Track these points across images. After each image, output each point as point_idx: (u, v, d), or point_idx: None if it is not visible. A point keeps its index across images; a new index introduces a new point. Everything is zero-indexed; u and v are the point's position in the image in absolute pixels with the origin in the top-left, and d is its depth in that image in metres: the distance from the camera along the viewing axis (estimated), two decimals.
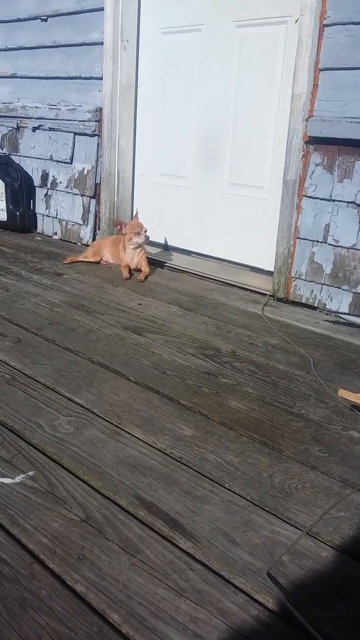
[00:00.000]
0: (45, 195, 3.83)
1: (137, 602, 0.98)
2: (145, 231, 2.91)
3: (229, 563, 1.08)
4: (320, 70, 2.40)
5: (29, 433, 1.48)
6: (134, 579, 1.03)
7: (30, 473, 1.31)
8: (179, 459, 1.40)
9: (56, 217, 3.78)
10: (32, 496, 1.24)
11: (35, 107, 3.73)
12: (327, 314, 2.53)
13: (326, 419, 1.64)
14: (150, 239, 2.97)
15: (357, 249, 2.39)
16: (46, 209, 3.84)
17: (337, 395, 1.74)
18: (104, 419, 1.57)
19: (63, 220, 3.74)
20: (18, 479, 1.29)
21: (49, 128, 3.66)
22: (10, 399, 1.64)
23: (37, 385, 1.74)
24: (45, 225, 3.89)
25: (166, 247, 3.39)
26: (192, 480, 1.32)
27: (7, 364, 1.86)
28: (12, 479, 1.29)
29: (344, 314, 2.48)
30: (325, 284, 2.52)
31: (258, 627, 0.96)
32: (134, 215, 3.04)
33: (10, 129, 3.97)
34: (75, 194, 3.60)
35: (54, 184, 3.73)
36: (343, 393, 1.71)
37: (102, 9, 3.19)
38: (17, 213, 3.79)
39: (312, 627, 0.95)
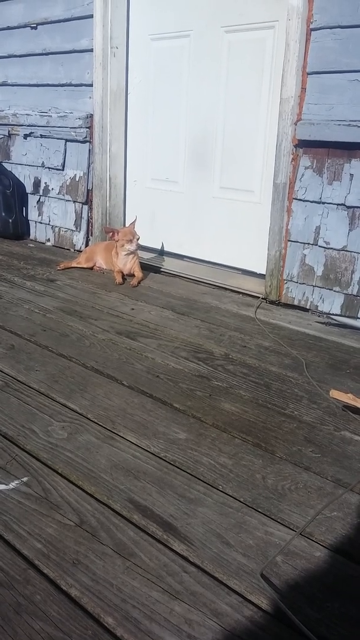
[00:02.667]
0: (37, 202, 3.84)
1: (131, 605, 0.99)
2: (138, 239, 2.92)
3: (222, 565, 1.09)
4: (308, 74, 2.42)
5: (22, 439, 1.48)
6: (128, 582, 1.04)
7: (25, 479, 1.32)
8: (172, 462, 1.41)
9: (49, 224, 3.79)
10: (27, 502, 1.24)
11: (27, 114, 3.75)
12: (319, 316, 2.55)
13: (319, 419, 1.65)
14: (142, 244, 2.98)
15: (348, 251, 2.41)
16: (39, 215, 3.85)
17: (329, 396, 1.75)
18: (98, 424, 1.57)
19: (56, 226, 3.74)
20: (12, 485, 1.29)
21: (41, 135, 3.67)
22: (4, 405, 1.65)
23: (31, 391, 1.74)
24: (38, 232, 3.90)
25: (159, 252, 3.40)
26: (186, 483, 1.33)
27: (1, 371, 1.86)
28: (7, 485, 1.29)
29: (336, 315, 2.49)
30: (317, 286, 2.54)
31: (252, 628, 0.96)
32: (131, 222, 3.04)
33: (2, 136, 3.98)
34: (67, 201, 3.62)
35: (46, 190, 3.74)
36: (334, 394, 1.72)
37: (91, 16, 3.22)
38: (10, 220, 3.80)
39: (305, 627, 0.96)
